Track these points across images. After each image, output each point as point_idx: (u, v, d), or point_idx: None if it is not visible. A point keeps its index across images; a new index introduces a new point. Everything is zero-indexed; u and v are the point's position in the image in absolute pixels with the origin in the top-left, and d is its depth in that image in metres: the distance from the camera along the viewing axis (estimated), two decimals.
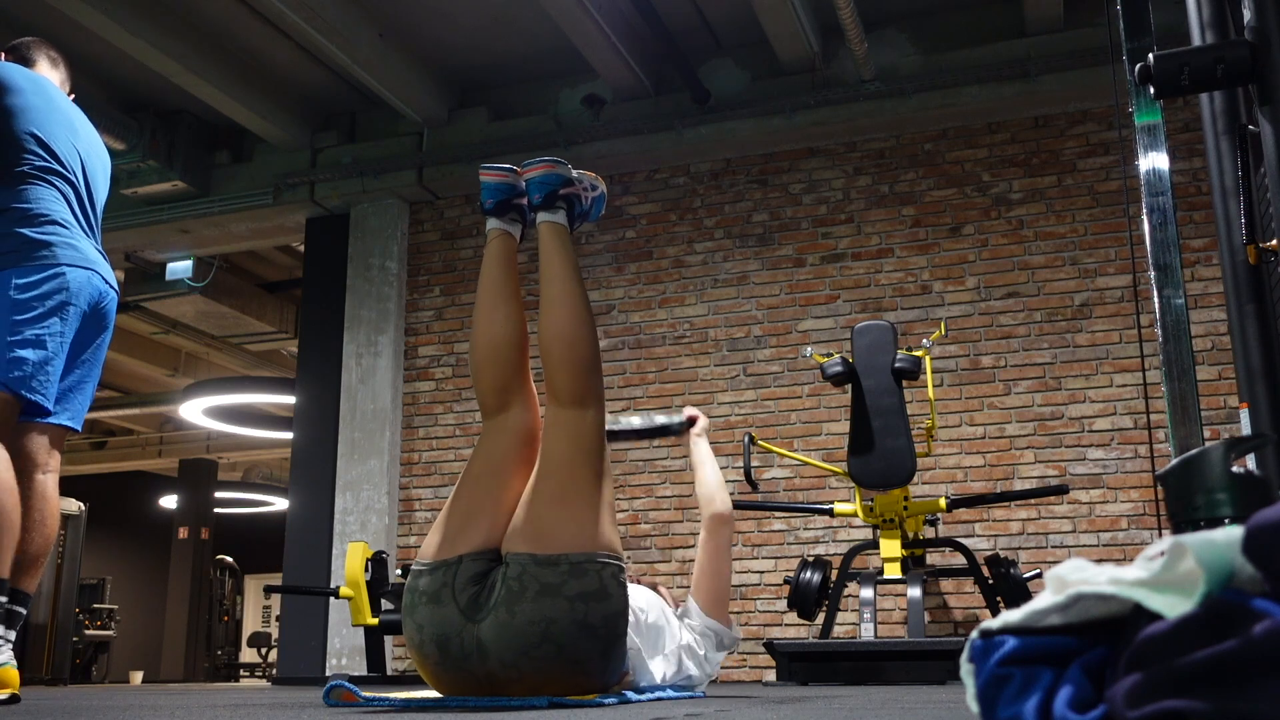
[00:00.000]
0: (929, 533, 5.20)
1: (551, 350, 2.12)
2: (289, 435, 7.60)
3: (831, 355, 4.85)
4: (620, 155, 6.65)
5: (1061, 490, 4.88)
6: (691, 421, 2.81)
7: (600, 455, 2.05)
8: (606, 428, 2.15)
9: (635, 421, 2.79)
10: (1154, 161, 2.49)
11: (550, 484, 1.99)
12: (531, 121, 6.88)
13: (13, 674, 2.41)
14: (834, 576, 4.77)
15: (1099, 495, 5.56)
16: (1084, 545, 5.51)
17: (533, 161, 2.28)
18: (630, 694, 1.99)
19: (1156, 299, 2.41)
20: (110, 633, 11.79)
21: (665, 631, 2.36)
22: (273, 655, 12.33)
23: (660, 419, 2.82)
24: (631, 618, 2.11)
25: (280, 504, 13.77)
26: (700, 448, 2.79)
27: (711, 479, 2.77)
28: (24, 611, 2.55)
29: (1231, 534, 0.60)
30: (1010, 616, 0.69)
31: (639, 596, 2.30)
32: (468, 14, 6.35)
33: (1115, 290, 5.76)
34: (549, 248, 2.33)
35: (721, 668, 5.90)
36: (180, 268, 8.18)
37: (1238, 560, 0.59)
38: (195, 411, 10.80)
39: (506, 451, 2.09)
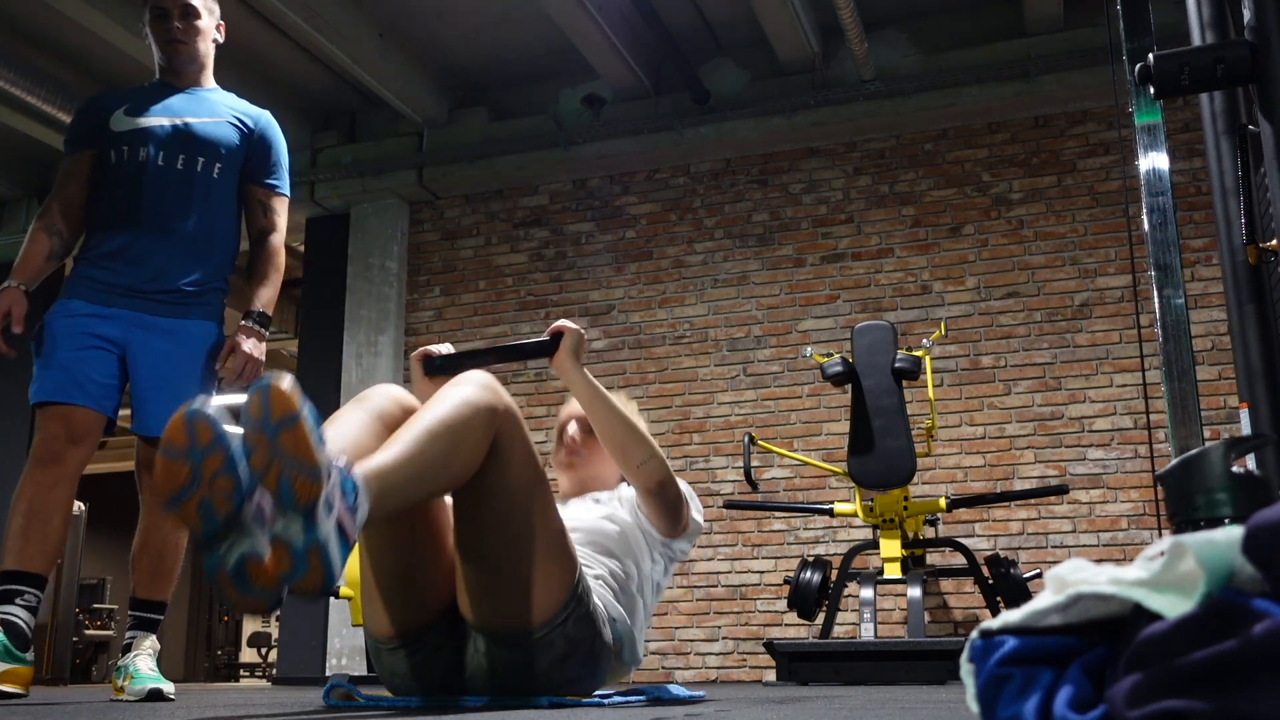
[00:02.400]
0: (929, 533, 5.20)
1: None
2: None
3: (831, 355, 4.85)
4: (620, 155, 6.65)
5: (1061, 490, 4.88)
6: (556, 339, 1.98)
7: (521, 510, 1.73)
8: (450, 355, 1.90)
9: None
10: (1154, 161, 2.49)
11: (483, 566, 1.74)
12: (531, 121, 6.88)
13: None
14: (834, 576, 4.77)
15: (1099, 495, 5.56)
16: (1084, 545, 5.51)
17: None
18: (630, 694, 1.99)
19: (1156, 299, 2.41)
20: (110, 633, 11.78)
21: (634, 577, 2.10)
22: (273, 655, 12.32)
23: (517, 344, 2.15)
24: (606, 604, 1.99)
25: None
26: (575, 378, 1.98)
27: (615, 428, 1.98)
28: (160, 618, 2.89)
29: (1231, 534, 0.60)
30: (1010, 616, 0.69)
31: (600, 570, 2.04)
32: (468, 14, 6.35)
33: (1115, 290, 5.76)
34: None
35: (721, 669, 5.91)
36: None
37: (1238, 560, 0.59)
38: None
39: (411, 532, 1.79)
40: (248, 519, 1.31)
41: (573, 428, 2.27)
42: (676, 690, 2.13)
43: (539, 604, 1.74)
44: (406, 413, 1.73)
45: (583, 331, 2.02)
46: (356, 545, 1.70)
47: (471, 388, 1.68)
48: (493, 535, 1.72)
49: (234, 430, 1.34)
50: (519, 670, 1.76)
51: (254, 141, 2.95)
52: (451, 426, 1.60)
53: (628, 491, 2.14)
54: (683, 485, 2.09)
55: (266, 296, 2.92)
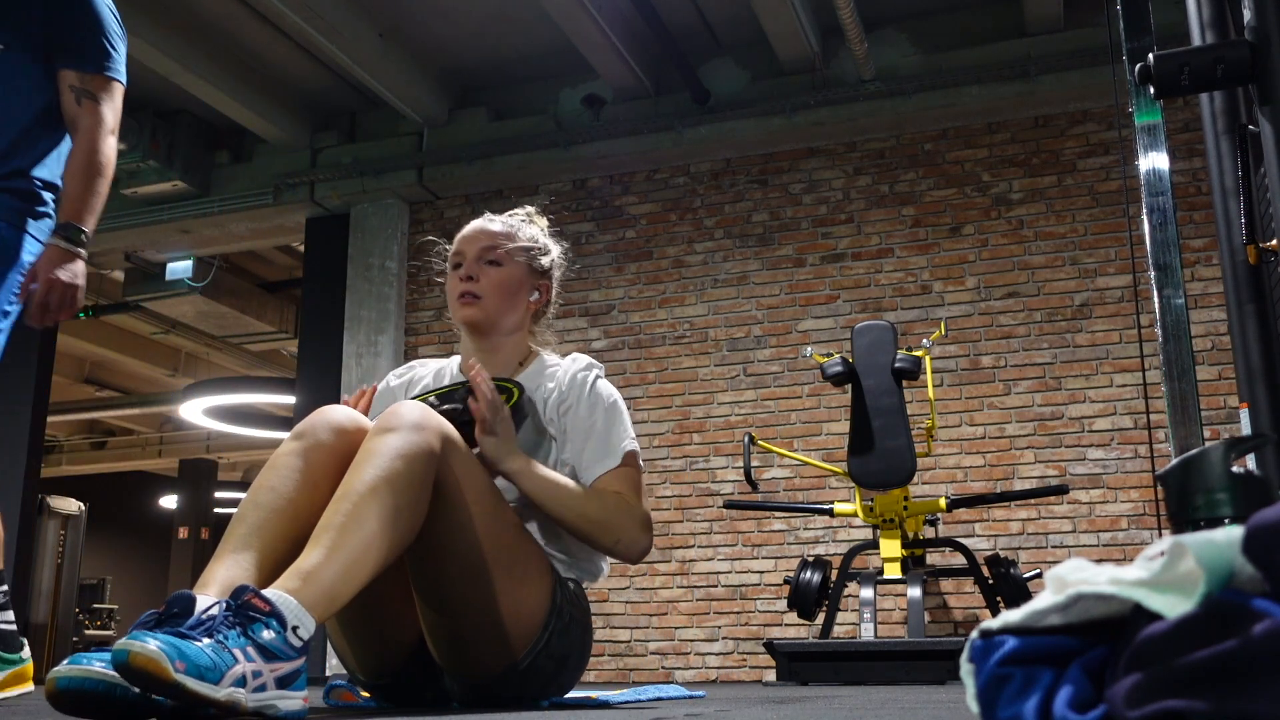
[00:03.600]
0: (929, 533, 5.20)
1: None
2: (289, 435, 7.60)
3: (831, 355, 4.85)
4: (620, 155, 6.65)
5: (1061, 490, 4.88)
6: (465, 417, 1.73)
7: (480, 538, 1.59)
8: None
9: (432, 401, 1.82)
10: (1154, 161, 2.49)
11: (448, 611, 1.63)
12: (531, 121, 6.88)
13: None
14: (834, 576, 4.77)
15: (1099, 495, 5.56)
16: (1084, 545, 5.51)
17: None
18: (630, 694, 1.99)
19: (1156, 299, 2.41)
20: (110, 633, 11.79)
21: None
22: None
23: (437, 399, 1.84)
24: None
25: None
26: (507, 470, 1.75)
27: (573, 524, 1.78)
28: None
29: (1231, 534, 0.60)
30: (1010, 616, 0.69)
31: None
32: (468, 14, 6.35)
33: (1115, 290, 5.76)
34: None
35: (721, 669, 5.91)
36: (180, 268, 8.18)
37: (1238, 560, 0.59)
38: (195, 411, 10.80)
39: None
40: None
41: (474, 266, 1.97)
42: (676, 690, 2.14)
43: (517, 635, 1.64)
44: (354, 436, 1.59)
45: (491, 396, 1.73)
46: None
47: (399, 436, 1.50)
48: (454, 577, 1.58)
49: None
50: (508, 699, 1.72)
51: (52, 8, 2.31)
52: (385, 489, 1.45)
53: (548, 413, 1.92)
54: (644, 509, 1.88)
55: (77, 205, 2.31)
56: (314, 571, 1.35)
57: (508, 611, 1.63)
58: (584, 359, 1.98)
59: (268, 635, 1.26)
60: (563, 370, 1.95)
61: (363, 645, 1.73)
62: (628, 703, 1.90)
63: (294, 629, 1.28)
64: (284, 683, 1.26)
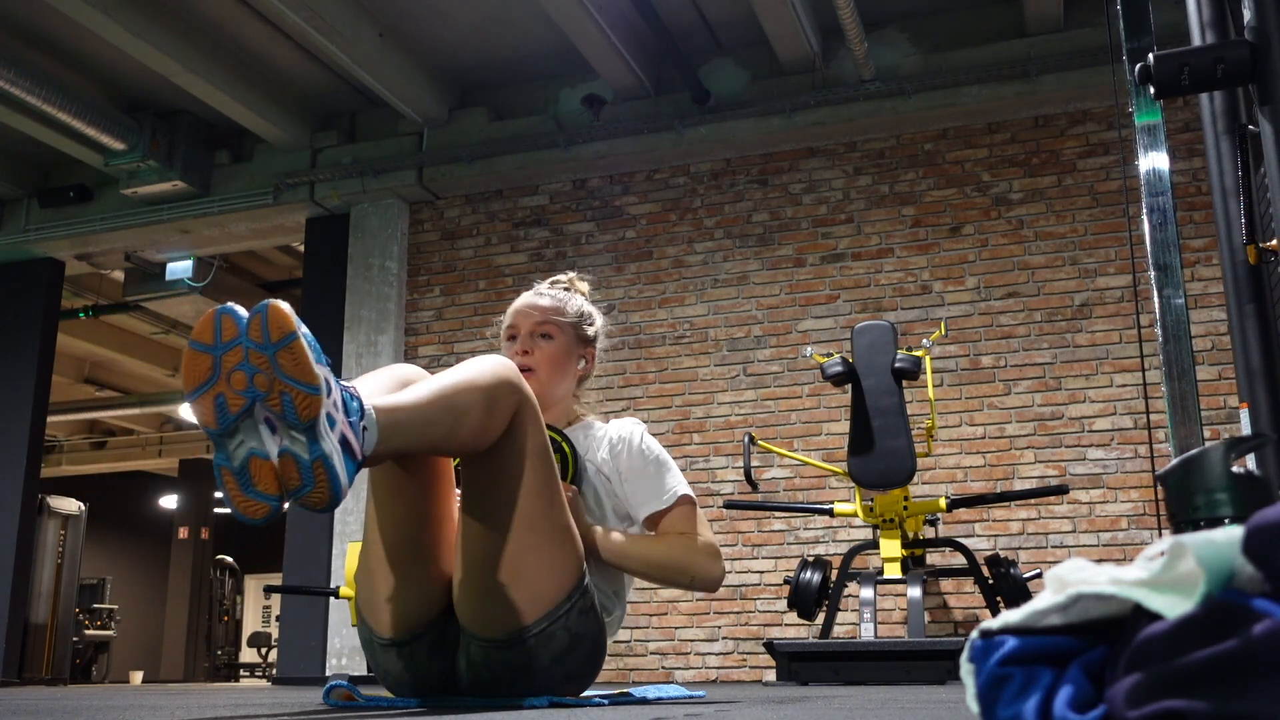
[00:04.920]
0: (929, 533, 5.20)
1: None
2: None
3: (831, 355, 4.85)
4: (620, 155, 6.65)
5: (1061, 490, 4.88)
6: None
7: (532, 493, 1.70)
8: None
9: None
10: (1154, 161, 2.49)
11: (485, 558, 1.71)
12: (531, 121, 6.88)
13: None
14: (834, 576, 4.77)
15: (1099, 495, 5.56)
16: (1084, 545, 5.51)
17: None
18: (630, 694, 1.99)
19: (1156, 299, 2.41)
20: (110, 633, 11.79)
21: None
22: (273, 655, 12.33)
23: None
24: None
25: None
26: (596, 544, 1.91)
27: (651, 574, 1.97)
28: None
29: (1231, 534, 0.60)
30: (1010, 616, 0.69)
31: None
32: (468, 14, 6.35)
33: (1115, 290, 5.76)
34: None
35: (721, 669, 5.91)
36: (180, 268, 8.18)
37: (1238, 560, 0.59)
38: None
39: (419, 510, 1.78)
40: (258, 418, 1.36)
41: (528, 341, 2.10)
42: (676, 690, 2.13)
43: (544, 592, 1.71)
44: None
45: (572, 500, 1.88)
46: (363, 519, 1.69)
47: (498, 365, 1.69)
48: (501, 518, 1.69)
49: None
50: (517, 672, 1.74)
51: None
52: (475, 385, 1.62)
53: (601, 453, 2.05)
54: (710, 539, 1.99)
55: None
56: (397, 404, 1.52)
57: (538, 568, 1.72)
58: (629, 419, 2.14)
59: (354, 405, 1.45)
60: (610, 427, 2.12)
61: (402, 589, 1.78)
62: (627, 702, 1.90)
63: (363, 426, 1.44)
64: (345, 445, 1.40)
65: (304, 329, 1.37)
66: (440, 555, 1.78)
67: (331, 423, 1.38)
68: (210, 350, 1.36)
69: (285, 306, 1.36)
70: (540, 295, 2.18)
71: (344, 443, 1.39)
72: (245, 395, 1.35)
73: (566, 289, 2.26)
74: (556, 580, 1.74)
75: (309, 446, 1.35)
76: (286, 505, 1.39)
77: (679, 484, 2.01)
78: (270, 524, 1.43)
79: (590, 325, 2.19)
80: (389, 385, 1.68)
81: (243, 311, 1.38)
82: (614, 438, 2.05)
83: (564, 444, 2.00)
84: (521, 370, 1.96)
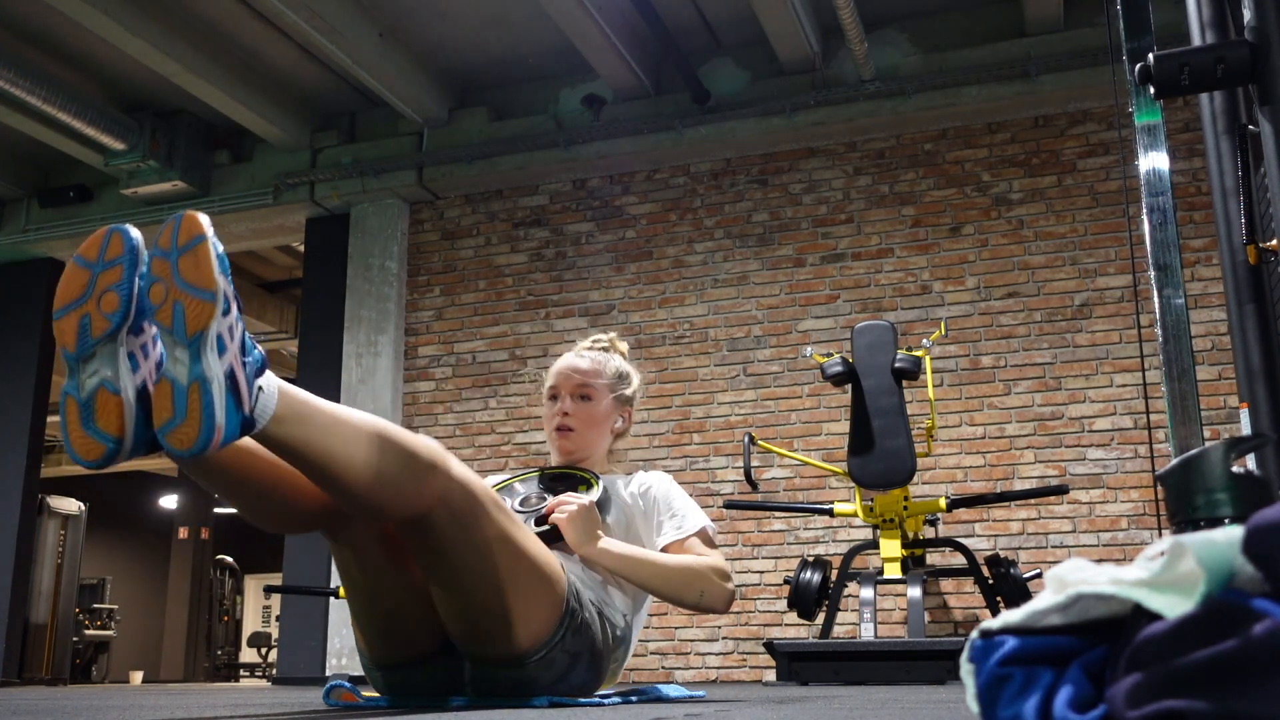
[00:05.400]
0: (929, 533, 5.20)
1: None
2: None
3: (831, 355, 4.85)
4: (620, 155, 6.65)
5: (1061, 490, 4.88)
6: (556, 530, 1.93)
7: (492, 555, 1.61)
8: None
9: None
10: (1154, 161, 2.49)
11: (464, 616, 1.68)
12: (531, 121, 6.88)
13: None
14: (834, 576, 4.77)
15: (1099, 495, 5.56)
16: (1084, 545, 5.51)
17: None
18: (630, 694, 1.99)
19: (1156, 299, 2.41)
20: (110, 633, 11.79)
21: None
22: (273, 655, 12.33)
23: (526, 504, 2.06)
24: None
25: None
26: (597, 558, 1.94)
27: (660, 588, 1.97)
28: None
29: (1231, 534, 0.60)
30: (1010, 616, 0.69)
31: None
32: (468, 14, 6.35)
33: (1115, 290, 5.76)
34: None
35: (721, 669, 5.91)
36: None
37: (1238, 560, 0.59)
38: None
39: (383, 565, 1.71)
40: (119, 347, 1.27)
41: (567, 401, 2.19)
42: (676, 690, 2.14)
43: (532, 627, 1.68)
44: None
45: (585, 507, 1.94)
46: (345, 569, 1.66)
47: (435, 447, 1.57)
48: (469, 574, 1.62)
49: (143, 250, 1.31)
50: (520, 686, 1.73)
51: None
52: (401, 440, 1.50)
53: (630, 489, 2.13)
54: (722, 563, 2.03)
55: None
56: (312, 402, 1.42)
57: (521, 611, 1.67)
58: (656, 471, 2.23)
59: (255, 354, 1.34)
60: (639, 475, 2.20)
61: (387, 636, 1.75)
62: (628, 702, 1.90)
63: (260, 388, 1.32)
64: (231, 382, 1.28)
65: (215, 239, 1.29)
66: (425, 608, 1.72)
67: (221, 347, 1.26)
68: (90, 266, 1.29)
69: (203, 216, 1.30)
70: (580, 357, 2.27)
71: (230, 379, 1.26)
72: (111, 319, 1.26)
73: (605, 349, 2.33)
74: (543, 615, 1.70)
75: (189, 367, 1.23)
76: (126, 450, 1.26)
77: (699, 518, 2.08)
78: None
79: (627, 386, 2.28)
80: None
81: (136, 234, 1.32)
82: (642, 481, 2.15)
83: (591, 479, 2.08)
84: (561, 429, 2.13)
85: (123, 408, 1.24)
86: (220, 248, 1.29)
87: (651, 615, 6.08)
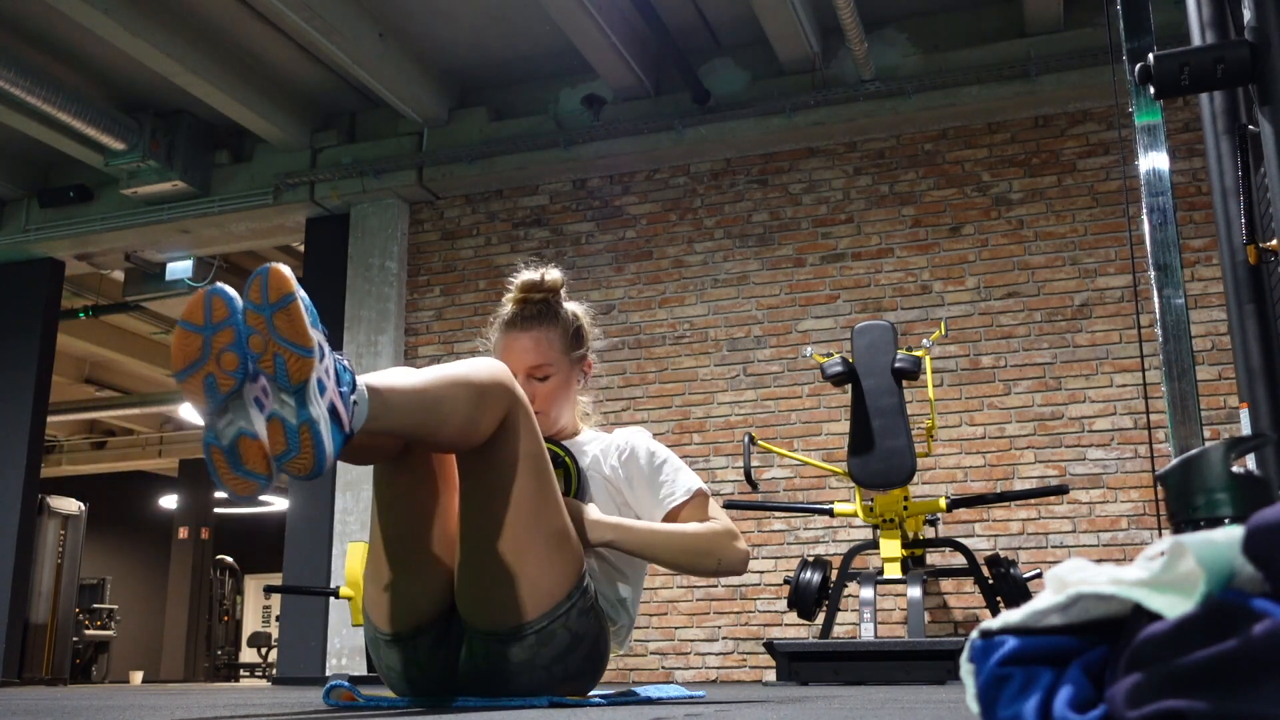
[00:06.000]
0: (929, 533, 5.20)
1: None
2: None
3: (831, 355, 4.85)
4: (620, 155, 6.65)
5: (1061, 490, 4.88)
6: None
7: (526, 495, 1.71)
8: None
9: None
10: (1154, 161, 2.49)
11: (484, 555, 1.72)
12: (531, 121, 6.88)
13: None
14: (834, 576, 4.77)
15: (1099, 495, 5.56)
16: (1084, 545, 5.51)
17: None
18: (630, 694, 1.99)
19: (1156, 299, 2.41)
20: (110, 633, 11.79)
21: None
22: (273, 655, 12.33)
23: None
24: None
25: (280, 504, 13.78)
26: (606, 541, 1.91)
27: (674, 561, 1.97)
28: None
29: (1231, 534, 0.60)
30: (1010, 616, 0.69)
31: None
32: (468, 14, 6.35)
33: (1115, 290, 5.76)
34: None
35: (721, 669, 5.91)
36: (180, 268, 8.18)
37: (1238, 560, 0.59)
38: (195, 412, 10.77)
39: (424, 502, 1.79)
40: (248, 398, 1.37)
41: (522, 381, 2.04)
42: (676, 690, 2.13)
43: (542, 591, 1.72)
44: None
45: (577, 505, 1.91)
46: (364, 546, 1.69)
47: (497, 368, 1.73)
48: (499, 519, 1.71)
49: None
50: (518, 667, 1.74)
51: None
52: (469, 381, 1.65)
53: (610, 461, 2.05)
54: (728, 523, 2.00)
55: None
56: (390, 385, 1.54)
57: (537, 567, 1.73)
58: (634, 428, 2.15)
59: (347, 377, 1.47)
60: (616, 436, 2.12)
61: (405, 585, 1.80)
62: (627, 702, 1.90)
63: (354, 400, 1.46)
64: (333, 414, 1.41)
65: (302, 293, 1.38)
66: (443, 552, 1.80)
67: (322, 389, 1.39)
68: (200, 331, 1.38)
69: (286, 270, 1.38)
70: (525, 330, 2.10)
71: (333, 411, 1.40)
72: (235, 376, 1.37)
73: (544, 297, 2.14)
74: (555, 579, 1.74)
75: (297, 410, 1.36)
76: (274, 481, 1.40)
77: (691, 479, 2.02)
78: (270, 524, 1.44)
79: (581, 343, 2.14)
80: (386, 375, 1.69)
81: (233, 293, 1.40)
82: (621, 445, 2.06)
83: (566, 458, 2.00)
84: None
85: (264, 449, 1.37)
86: (308, 301, 1.40)
87: (651, 615, 6.08)
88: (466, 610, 1.77)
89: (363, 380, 1.49)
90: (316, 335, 1.39)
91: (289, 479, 1.43)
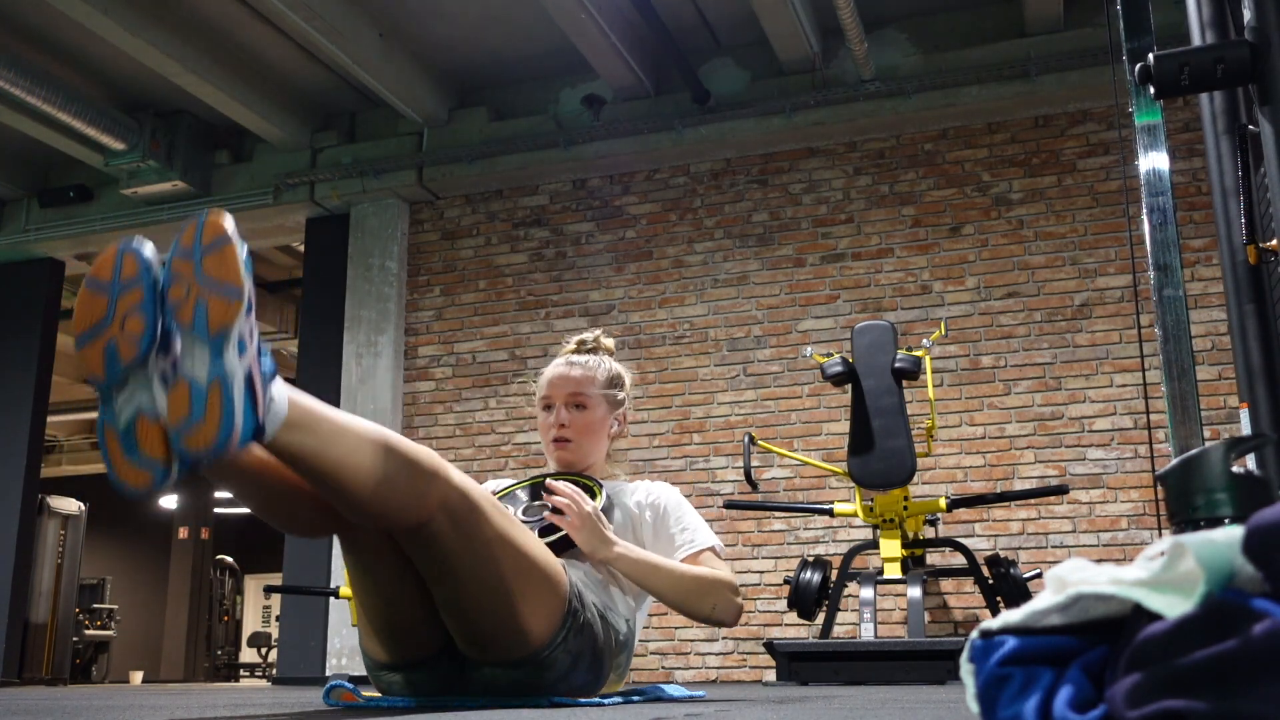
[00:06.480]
0: (929, 533, 5.20)
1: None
2: None
3: (831, 355, 4.85)
4: (620, 155, 6.65)
5: (1061, 490, 4.88)
6: (566, 538, 1.92)
7: (497, 547, 1.61)
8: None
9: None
10: (1154, 161, 2.49)
11: (472, 602, 1.65)
12: (531, 121, 6.88)
13: None
14: (834, 576, 4.77)
15: (1099, 495, 5.56)
16: (1084, 545, 5.51)
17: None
18: (630, 694, 1.99)
19: (1156, 299, 2.41)
20: (110, 633, 11.79)
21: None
22: (273, 655, 12.33)
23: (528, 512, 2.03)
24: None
25: None
26: (611, 560, 1.93)
27: (673, 597, 1.98)
28: None
29: (1231, 534, 0.60)
30: (1010, 616, 0.69)
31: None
32: (468, 14, 6.35)
33: (1115, 290, 5.76)
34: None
35: (721, 669, 5.91)
36: None
37: (1238, 560, 0.59)
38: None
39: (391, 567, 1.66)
40: (152, 371, 1.24)
41: (563, 412, 2.17)
42: (676, 690, 2.14)
43: (534, 633, 1.67)
44: None
45: (591, 511, 1.91)
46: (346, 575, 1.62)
47: (436, 456, 1.57)
48: (471, 577, 1.60)
49: (159, 268, 1.27)
50: (523, 686, 1.73)
51: None
52: (401, 451, 1.49)
53: (636, 498, 2.13)
54: (731, 578, 2.04)
55: None
56: (318, 410, 1.40)
57: (523, 614, 1.66)
58: (661, 481, 2.23)
59: (268, 360, 1.32)
60: (643, 484, 2.19)
61: (391, 635, 1.75)
62: (628, 702, 1.90)
63: (272, 398, 1.31)
64: (249, 384, 1.26)
65: (241, 240, 1.26)
66: (430, 611, 1.71)
67: (242, 348, 1.24)
68: (105, 289, 1.25)
69: (227, 216, 1.26)
70: (571, 365, 2.23)
71: (249, 381, 1.24)
72: (139, 344, 1.23)
73: (593, 350, 2.30)
74: (544, 618, 1.69)
75: (210, 364, 1.21)
76: (175, 473, 1.23)
77: (709, 536, 2.09)
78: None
79: (620, 388, 2.26)
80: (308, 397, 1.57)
81: (150, 251, 1.28)
82: (651, 491, 2.15)
83: (594, 486, 2.06)
84: (559, 440, 2.11)
85: (165, 432, 1.21)
86: (245, 248, 1.27)
87: (651, 615, 6.08)
88: (465, 648, 1.73)
89: (286, 388, 1.34)
90: (248, 283, 1.24)
91: (181, 466, 1.23)
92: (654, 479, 2.19)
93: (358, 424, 1.47)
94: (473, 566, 1.59)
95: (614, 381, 2.25)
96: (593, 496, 2.03)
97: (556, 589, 1.71)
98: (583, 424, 2.16)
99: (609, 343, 2.35)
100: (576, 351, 2.30)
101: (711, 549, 2.06)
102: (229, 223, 1.26)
